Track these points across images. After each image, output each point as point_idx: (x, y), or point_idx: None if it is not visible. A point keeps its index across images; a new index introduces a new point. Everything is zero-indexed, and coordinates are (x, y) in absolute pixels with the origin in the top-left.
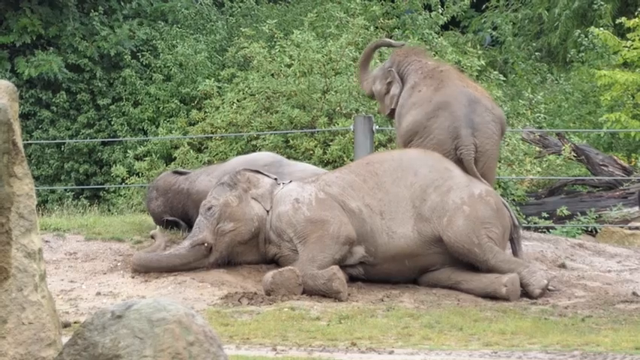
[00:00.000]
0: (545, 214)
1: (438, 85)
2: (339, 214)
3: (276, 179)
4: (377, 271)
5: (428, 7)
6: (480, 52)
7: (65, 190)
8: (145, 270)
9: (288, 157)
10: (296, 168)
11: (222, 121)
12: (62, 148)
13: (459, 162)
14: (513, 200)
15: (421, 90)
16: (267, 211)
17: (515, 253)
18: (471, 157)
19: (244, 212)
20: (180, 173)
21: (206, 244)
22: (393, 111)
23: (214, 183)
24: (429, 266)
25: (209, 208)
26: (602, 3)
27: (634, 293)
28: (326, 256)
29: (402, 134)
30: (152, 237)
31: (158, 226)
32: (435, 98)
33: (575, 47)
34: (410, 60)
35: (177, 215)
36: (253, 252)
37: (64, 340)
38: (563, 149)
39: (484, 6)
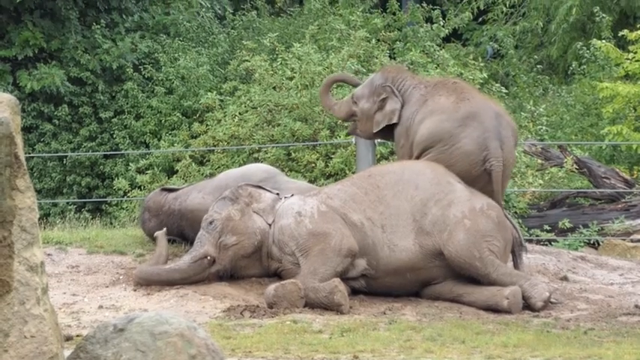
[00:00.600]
0: (547, 227)
1: (460, 96)
2: (340, 226)
3: (278, 194)
4: (379, 284)
5: (429, 20)
6: (481, 64)
7: (67, 203)
8: (146, 283)
9: (290, 170)
10: (291, 185)
11: (224, 134)
12: (64, 162)
13: (487, 174)
14: (515, 213)
15: (438, 99)
16: (270, 225)
17: (516, 266)
18: (500, 169)
19: (247, 226)
20: (169, 190)
21: (208, 257)
22: (389, 127)
23: (208, 199)
24: (430, 280)
25: (211, 222)
26: (604, 15)
27: (636, 306)
28: (327, 268)
29: (419, 142)
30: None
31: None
32: (463, 107)
33: (575, 60)
34: (404, 76)
35: (173, 235)
36: (256, 266)
37: (67, 353)
38: (565, 162)
39: (481, 19)
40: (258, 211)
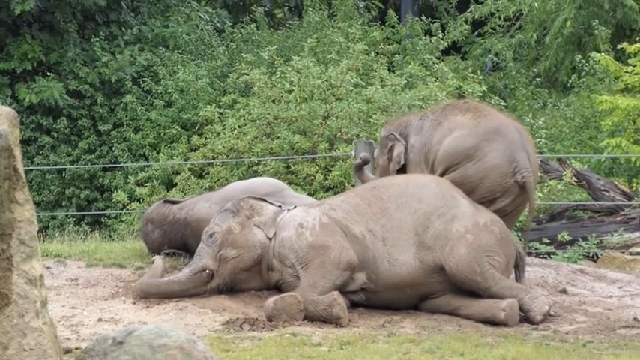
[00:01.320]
0: (546, 240)
1: (476, 113)
2: (340, 239)
3: (280, 206)
4: (378, 298)
5: (428, 33)
6: (480, 77)
7: (66, 216)
8: (145, 296)
9: (290, 183)
10: (296, 200)
11: (223, 147)
12: (63, 174)
13: (517, 186)
14: (515, 226)
15: (454, 119)
16: (270, 239)
17: (518, 280)
18: (532, 179)
19: (247, 239)
20: (172, 202)
21: (207, 271)
22: (400, 171)
23: (214, 209)
24: (430, 294)
25: (211, 235)
26: (603, 28)
27: (635, 318)
28: (327, 281)
29: (441, 159)
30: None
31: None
32: (483, 123)
33: (567, 74)
34: (405, 119)
35: (176, 246)
36: (256, 279)
37: None
38: (564, 174)
39: (476, 32)
40: (259, 224)
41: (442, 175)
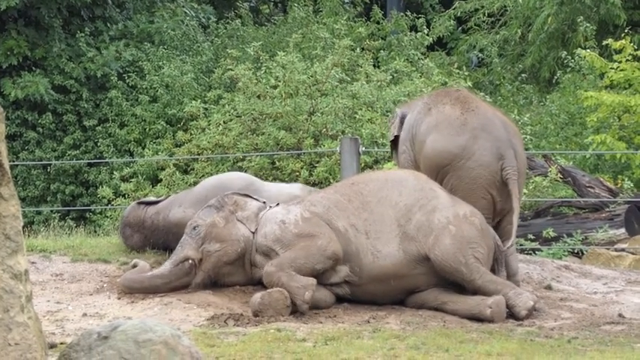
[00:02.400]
0: (531, 236)
1: (465, 106)
2: (327, 231)
3: (264, 202)
4: (362, 291)
5: (413, 28)
6: (466, 73)
7: (51, 211)
8: (129, 291)
9: (275, 179)
10: (271, 190)
11: (209, 142)
12: (48, 170)
13: (504, 183)
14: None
15: (442, 109)
16: (253, 233)
17: (497, 273)
18: (516, 177)
19: (230, 233)
20: (146, 203)
21: (190, 261)
22: (396, 138)
23: (189, 213)
24: (414, 288)
25: (194, 227)
26: (588, 25)
27: (620, 315)
28: (307, 262)
29: (429, 157)
30: (134, 266)
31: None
32: (470, 119)
33: (549, 70)
34: (416, 100)
35: (161, 249)
36: (239, 273)
37: None
38: (550, 171)
39: (460, 27)
40: (242, 219)
41: (437, 175)
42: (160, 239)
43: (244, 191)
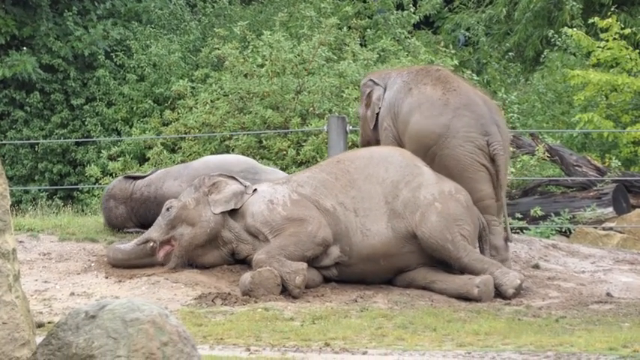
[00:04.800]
0: (518, 215)
1: (446, 86)
2: (317, 215)
3: (246, 187)
4: (352, 271)
5: (400, 7)
6: (452, 51)
7: (39, 190)
8: (108, 260)
9: (262, 158)
10: (271, 175)
11: (196, 121)
12: (36, 149)
13: (492, 159)
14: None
15: (424, 89)
16: (215, 214)
17: (482, 251)
18: (503, 152)
19: (200, 215)
20: (134, 178)
21: (152, 243)
22: (377, 116)
23: (184, 187)
24: (403, 267)
25: (168, 209)
26: (574, 3)
27: (608, 294)
28: (297, 249)
29: (414, 137)
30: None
31: None
32: (452, 99)
33: (534, 49)
34: (387, 71)
35: (145, 222)
36: (214, 254)
37: (38, 340)
38: (537, 149)
39: (446, 6)
40: (211, 201)
41: (425, 154)
42: (149, 211)
43: (243, 174)
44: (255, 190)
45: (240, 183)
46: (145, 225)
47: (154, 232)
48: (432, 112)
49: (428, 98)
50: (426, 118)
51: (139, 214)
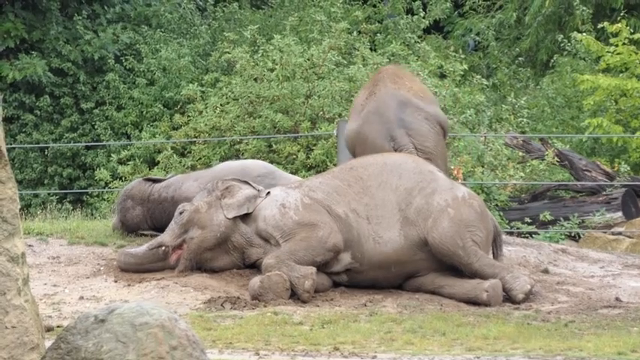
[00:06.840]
0: (528, 220)
1: (371, 90)
2: (328, 220)
3: (259, 191)
4: (363, 277)
5: (410, 11)
6: (462, 56)
7: (49, 194)
8: (119, 265)
9: (271, 162)
10: (289, 181)
11: (206, 125)
12: (46, 152)
13: None
14: (496, 205)
15: (358, 95)
16: (228, 219)
17: (496, 256)
18: (414, 152)
19: (211, 219)
20: (153, 180)
21: (164, 248)
22: None
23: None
24: (414, 273)
25: (181, 213)
26: (585, 8)
27: (617, 298)
28: (307, 254)
29: (346, 143)
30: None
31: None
32: (367, 104)
33: (547, 53)
34: None
35: (159, 225)
36: (223, 258)
37: (47, 344)
38: (547, 154)
39: (456, 11)
40: (224, 205)
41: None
42: (165, 212)
43: (262, 179)
44: (269, 193)
45: (253, 187)
46: (159, 228)
47: (167, 237)
48: (352, 117)
49: (355, 104)
50: (349, 123)
51: (155, 217)
